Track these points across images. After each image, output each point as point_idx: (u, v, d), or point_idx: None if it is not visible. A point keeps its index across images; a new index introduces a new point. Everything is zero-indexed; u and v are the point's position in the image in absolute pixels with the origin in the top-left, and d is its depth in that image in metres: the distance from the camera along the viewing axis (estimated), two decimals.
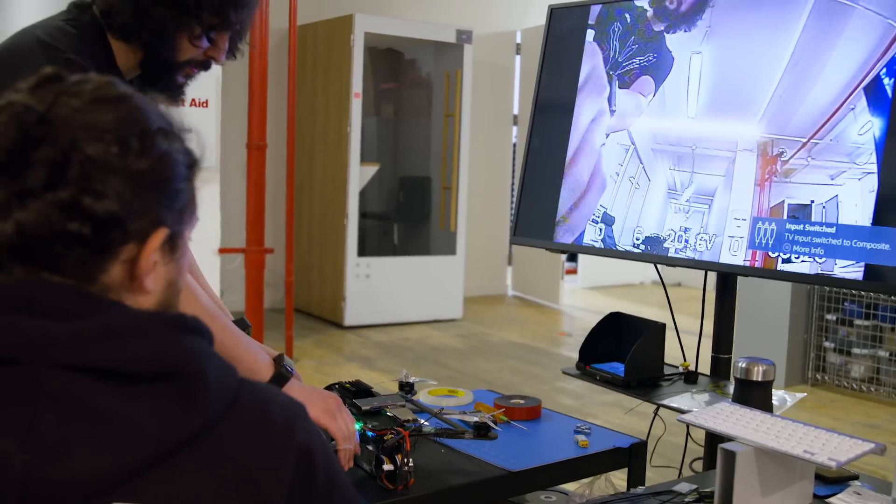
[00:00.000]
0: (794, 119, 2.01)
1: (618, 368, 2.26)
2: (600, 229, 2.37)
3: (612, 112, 2.38)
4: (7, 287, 0.83)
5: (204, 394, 0.82)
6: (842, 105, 1.92)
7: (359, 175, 6.61)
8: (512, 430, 1.84)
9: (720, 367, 2.30)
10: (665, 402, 2.12)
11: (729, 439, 1.47)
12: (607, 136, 2.38)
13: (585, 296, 8.57)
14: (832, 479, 1.63)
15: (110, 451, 0.77)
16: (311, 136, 6.95)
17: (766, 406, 1.73)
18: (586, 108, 2.43)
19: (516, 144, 8.41)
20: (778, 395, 2.11)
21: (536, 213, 2.51)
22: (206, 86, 4.74)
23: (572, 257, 8.94)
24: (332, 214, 6.74)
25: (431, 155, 7.37)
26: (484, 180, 8.08)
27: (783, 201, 2.02)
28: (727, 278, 2.29)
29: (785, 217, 2.01)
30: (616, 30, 2.37)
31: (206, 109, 4.86)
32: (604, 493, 1.88)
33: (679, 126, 2.24)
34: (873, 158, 1.87)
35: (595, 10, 2.44)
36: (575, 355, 2.36)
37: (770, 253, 2.03)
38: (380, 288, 6.71)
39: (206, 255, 5.00)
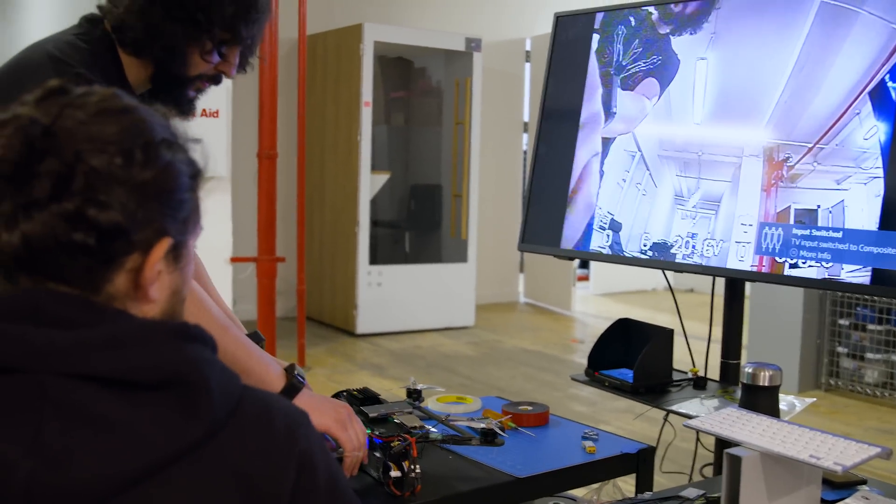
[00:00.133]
0: (800, 124, 2.01)
1: (626, 374, 2.26)
2: (608, 235, 2.38)
3: (613, 115, 2.39)
4: (14, 297, 0.84)
5: (206, 401, 0.83)
6: (847, 110, 1.93)
7: (369, 183, 6.63)
8: (520, 437, 1.85)
9: (729, 372, 2.30)
10: (673, 407, 2.13)
11: (736, 444, 1.47)
12: (612, 139, 2.38)
13: (598, 302, 8.56)
14: (840, 484, 1.62)
15: (113, 457, 0.79)
16: (322, 145, 6.98)
17: (773, 411, 1.73)
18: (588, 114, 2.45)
19: (527, 152, 8.42)
20: (787, 400, 2.11)
21: (544, 220, 2.52)
22: (216, 96, 4.78)
23: (584, 264, 8.94)
24: (344, 223, 6.76)
25: (442, 163, 7.38)
26: (494, 188, 8.09)
27: (789, 206, 2.02)
28: (735, 284, 2.29)
29: (791, 222, 2.01)
30: (620, 33, 2.38)
31: (216, 119, 4.89)
32: (612, 499, 1.88)
33: (685, 132, 2.24)
34: (879, 163, 1.88)
35: (600, 15, 2.45)
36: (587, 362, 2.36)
37: (777, 258, 2.03)
38: (392, 296, 6.72)
39: (218, 264, 5.02)
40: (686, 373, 2.32)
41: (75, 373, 0.80)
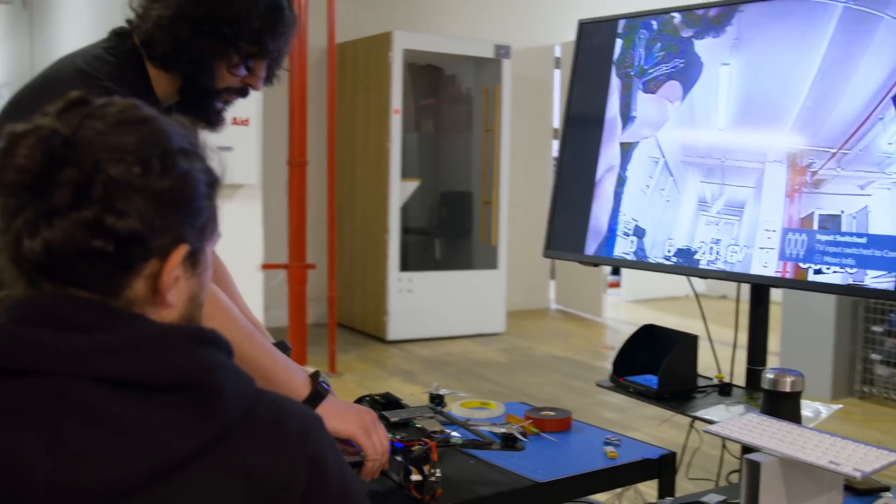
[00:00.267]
0: (823, 129, 2.01)
1: (651, 380, 2.26)
2: (632, 242, 2.38)
3: (632, 119, 2.39)
4: (36, 302, 0.87)
5: (220, 404, 0.85)
6: (871, 115, 1.92)
7: (399, 190, 6.67)
8: (541, 442, 1.86)
9: (755, 378, 2.29)
10: (698, 413, 2.12)
11: (756, 450, 1.47)
12: (634, 144, 2.38)
13: (629, 309, 8.52)
14: (863, 491, 1.62)
15: (126, 458, 0.81)
16: (352, 152, 7.03)
17: (794, 417, 1.73)
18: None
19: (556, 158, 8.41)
20: (813, 406, 2.10)
21: (569, 226, 2.53)
22: (247, 104, 4.81)
23: (616, 270, 8.91)
24: (374, 230, 6.80)
25: (472, 170, 7.40)
26: (525, 194, 8.09)
27: (813, 212, 2.01)
28: (760, 290, 2.28)
29: (815, 228, 2.00)
30: (642, 36, 2.39)
31: (247, 127, 4.95)
32: None
33: (709, 138, 2.24)
34: None
35: (623, 21, 2.45)
36: None
37: (801, 264, 2.02)
38: (422, 302, 6.75)
39: (250, 271, 5.08)
40: (712, 379, 2.32)
41: (91, 375, 0.83)
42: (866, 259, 1.91)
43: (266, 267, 5.31)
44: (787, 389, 1.73)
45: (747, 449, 1.52)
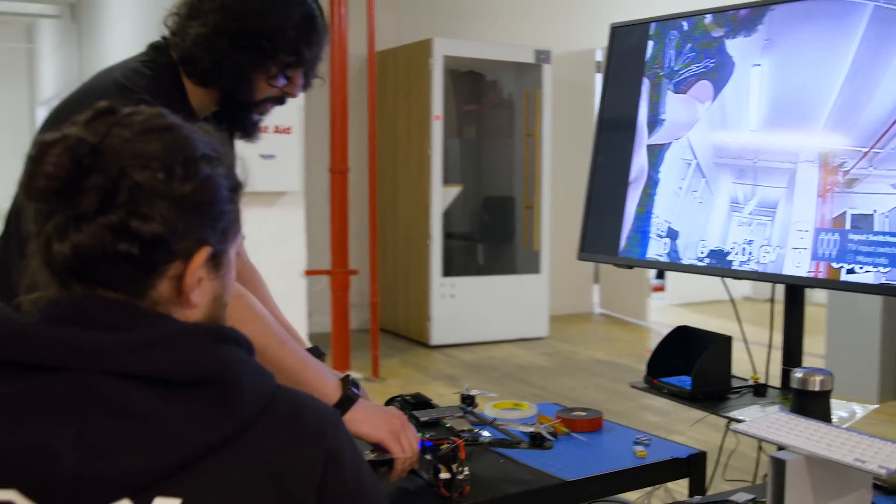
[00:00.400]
0: (855, 129, 2.00)
1: (685, 382, 2.26)
2: (665, 244, 2.38)
3: (662, 121, 2.40)
4: (66, 303, 0.91)
5: (239, 399, 0.88)
6: None
7: (441, 196, 6.71)
8: (571, 441, 1.87)
9: (790, 379, 2.27)
10: (732, 414, 2.12)
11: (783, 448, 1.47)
12: (665, 146, 2.39)
13: (673, 312, 8.46)
14: (894, 490, 1.61)
15: (149, 451, 0.85)
16: (394, 158, 7.08)
17: (824, 416, 1.73)
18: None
19: None
20: (849, 407, 2.09)
21: (602, 229, 2.54)
22: (288, 112, 4.90)
23: (660, 274, 8.86)
24: (416, 236, 6.84)
25: (514, 174, 7.42)
26: (566, 198, 8.08)
27: (845, 212, 2.00)
28: (795, 290, 2.28)
29: (847, 227, 2.00)
30: (673, 38, 2.40)
31: (289, 135, 5.02)
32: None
33: (740, 139, 2.24)
34: None
35: (654, 24, 2.46)
36: None
37: (833, 264, 2.02)
38: (465, 307, 6.77)
39: (293, 277, 5.15)
40: (747, 380, 2.32)
41: (116, 371, 0.87)
42: None
43: (309, 273, 5.37)
44: (817, 388, 1.73)
45: (781, 449, 1.53)
